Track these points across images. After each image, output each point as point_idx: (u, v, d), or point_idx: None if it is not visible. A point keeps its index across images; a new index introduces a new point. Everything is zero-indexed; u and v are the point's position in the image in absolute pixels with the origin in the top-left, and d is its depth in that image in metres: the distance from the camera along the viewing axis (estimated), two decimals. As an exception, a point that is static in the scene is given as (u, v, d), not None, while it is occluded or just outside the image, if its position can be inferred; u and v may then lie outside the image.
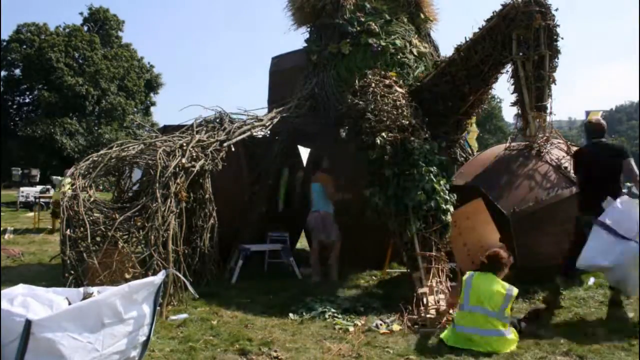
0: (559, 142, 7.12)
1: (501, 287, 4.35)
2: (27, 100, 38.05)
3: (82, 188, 5.79)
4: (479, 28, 6.59)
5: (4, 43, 35.60)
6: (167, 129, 7.68)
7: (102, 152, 6.53)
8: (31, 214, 16.38)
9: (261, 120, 7.48)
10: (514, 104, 6.59)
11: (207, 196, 6.33)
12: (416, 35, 8.52)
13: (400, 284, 6.46)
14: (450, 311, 4.76)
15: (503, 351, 4.13)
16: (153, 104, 42.74)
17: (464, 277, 4.46)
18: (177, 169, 5.90)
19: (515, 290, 4.36)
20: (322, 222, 6.97)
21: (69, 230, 5.36)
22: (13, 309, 3.15)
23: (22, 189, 21.35)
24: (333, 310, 5.26)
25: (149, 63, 41.81)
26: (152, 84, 41.95)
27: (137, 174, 7.07)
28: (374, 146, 6.04)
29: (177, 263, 5.55)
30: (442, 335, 4.39)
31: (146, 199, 5.64)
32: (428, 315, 4.82)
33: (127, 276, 4.96)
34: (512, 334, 4.29)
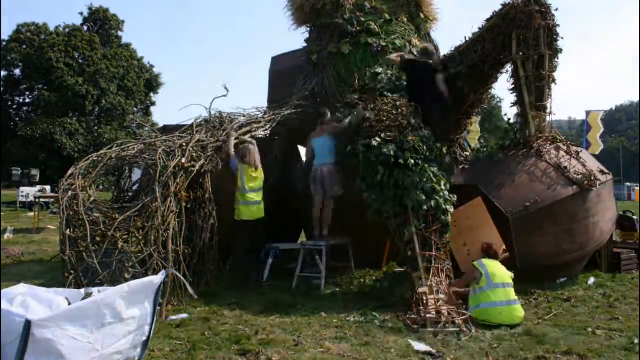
0: (559, 142, 7.12)
1: (504, 266, 5.30)
2: (27, 100, 37.97)
3: (82, 188, 5.79)
4: (479, 28, 6.60)
5: (4, 43, 35.52)
6: (167, 129, 7.68)
7: (102, 152, 6.52)
8: (31, 214, 16.37)
9: (261, 120, 7.47)
10: (514, 104, 6.60)
11: (207, 196, 6.32)
12: (416, 35, 8.50)
13: (399, 283, 6.46)
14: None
15: (522, 319, 4.91)
16: (153, 104, 42.65)
17: (476, 264, 5.21)
18: (177, 168, 5.90)
19: None
20: (327, 176, 6.85)
21: (68, 230, 5.36)
22: (13, 309, 3.15)
23: (22, 189, 21.35)
24: (333, 310, 5.24)
25: (149, 63, 41.80)
26: (152, 84, 41.86)
27: (137, 174, 7.07)
28: (373, 146, 6.04)
29: (177, 263, 5.55)
30: (472, 314, 4.96)
31: (146, 198, 5.64)
32: (428, 315, 4.82)
33: (127, 276, 4.96)
34: None
